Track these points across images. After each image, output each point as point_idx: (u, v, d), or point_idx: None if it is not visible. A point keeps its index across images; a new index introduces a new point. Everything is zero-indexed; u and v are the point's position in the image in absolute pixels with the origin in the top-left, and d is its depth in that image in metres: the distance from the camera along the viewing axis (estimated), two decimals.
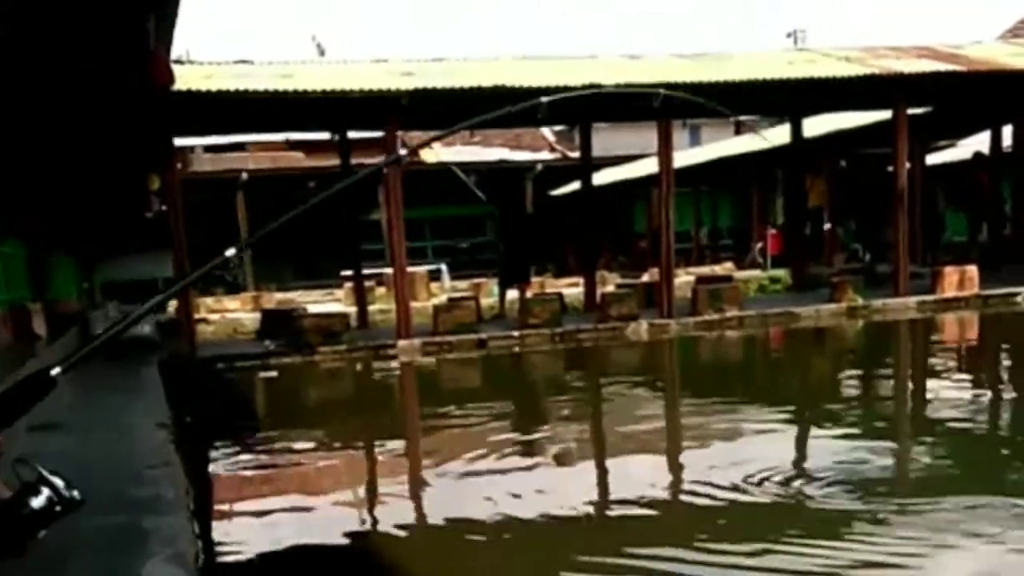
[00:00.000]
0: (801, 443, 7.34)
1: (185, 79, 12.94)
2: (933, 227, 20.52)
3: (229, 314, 20.27)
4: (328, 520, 5.66)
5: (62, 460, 0.83)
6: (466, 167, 30.17)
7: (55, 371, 1.07)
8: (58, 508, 1.02)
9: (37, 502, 0.98)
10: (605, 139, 25.84)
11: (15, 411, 1.01)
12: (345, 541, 5.31)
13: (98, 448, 6.02)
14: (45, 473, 0.98)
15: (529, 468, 6.78)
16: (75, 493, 1.06)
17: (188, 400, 9.29)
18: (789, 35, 40.66)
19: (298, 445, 8.19)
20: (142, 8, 7.83)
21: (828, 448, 6.70)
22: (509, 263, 16.54)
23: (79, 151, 13.55)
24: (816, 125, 19.16)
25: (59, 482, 1.03)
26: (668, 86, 13.95)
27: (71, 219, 18.09)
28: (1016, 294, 15.42)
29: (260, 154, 28.34)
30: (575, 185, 21.48)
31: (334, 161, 17.83)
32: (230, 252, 1.21)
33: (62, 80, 9.08)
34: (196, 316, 16.56)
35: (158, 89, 11.15)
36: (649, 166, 17.25)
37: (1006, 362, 11.50)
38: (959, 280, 15.67)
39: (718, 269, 23.61)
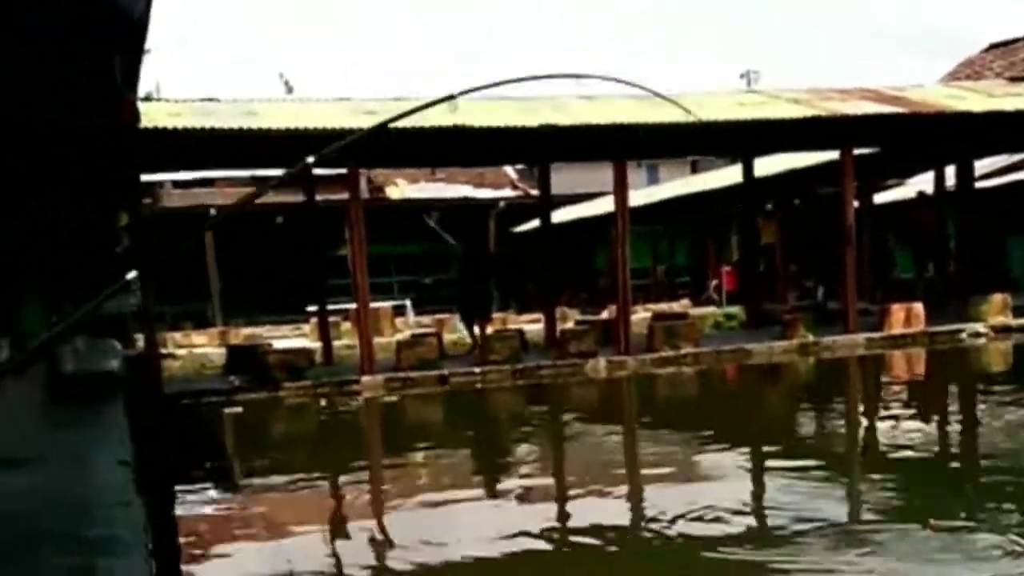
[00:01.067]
0: (740, 479, 7.72)
1: (153, 116, 13.27)
2: (882, 265, 21.11)
3: (197, 349, 20.43)
4: (294, 556, 5.91)
5: (17, 496, 0.91)
6: (429, 203, 30.55)
7: None
8: None
9: None
10: (566, 178, 26.32)
11: None
12: None
13: (55, 484, 6.20)
14: None
15: (485, 503, 7.11)
16: None
17: (154, 437, 9.53)
18: (743, 76, 41.56)
19: (261, 482, 8.46)
20: (108, 49, 8.14)
21: (772, 485, 7.08)
22: (471, 299, 16.88)
23: (45, 189, 13.77)
24: (768, 165, 19.73)
25: None
26: (622, 127, 14.51)
27: (40, 256, 18.26)
28: (961, 331, 15.96)
29: (228, 190, 28.60)
30: (536, 223, 21.91)
31: (300, 197, 18.15)
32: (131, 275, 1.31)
33: (25, 120, 9.34)
34: (164, 351, 16.77)
35: (124, 128, 11.44)
36: (608, 204, 17.68)
37: (950, 396, 11.97)
38: (906, 317, 16.19)
39: (675, 306, 24.07)
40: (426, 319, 23.99)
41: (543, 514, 6.70)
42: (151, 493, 6.29)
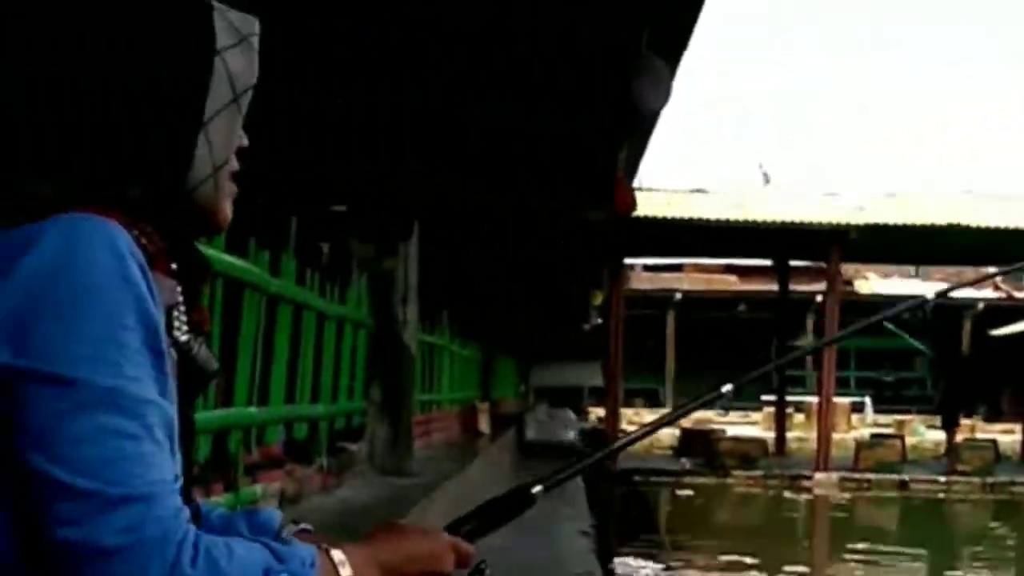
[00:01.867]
0: None
1: (645, 205, 13.90)
2: None
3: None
4: None
5: (491, 559, 0.98)
6: (900, 300, 29.02)
7: (536, 489, 1.06)
8: None
9: None
10: None
11: (493, 523, 1.02)
12: None
13: (524, 551, 6.64)
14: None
15: None
16: None
17: (609, 511, 9.88)
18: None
19: (702, 561, 8.44)
20: (617, 142, 8.71)
21: None
22: (947, 403, 15.84)
23: (537, 268, 14.93)
24: None
25: None
26: None
27: (518, 327, 19.81)
28: None
29: (695, 275, 29.28)
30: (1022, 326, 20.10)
31: (767, 286, 18.17)
32: (726, 388, 1.27)
33: (528, 211, 10.22)
34: (619, 427, 17.40)
35: (620, 216, 12.09)
36: None
37: None
38: None
39: None
40: (883, 418, 22.73)
41: None
42: (604, 562, 6.54)
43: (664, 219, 13.62)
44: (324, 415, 4.78)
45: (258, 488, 3.71)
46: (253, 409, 3.71)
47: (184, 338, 0.87)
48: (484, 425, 10.90)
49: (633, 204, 11.85)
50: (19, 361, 0.73)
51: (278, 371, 4.14)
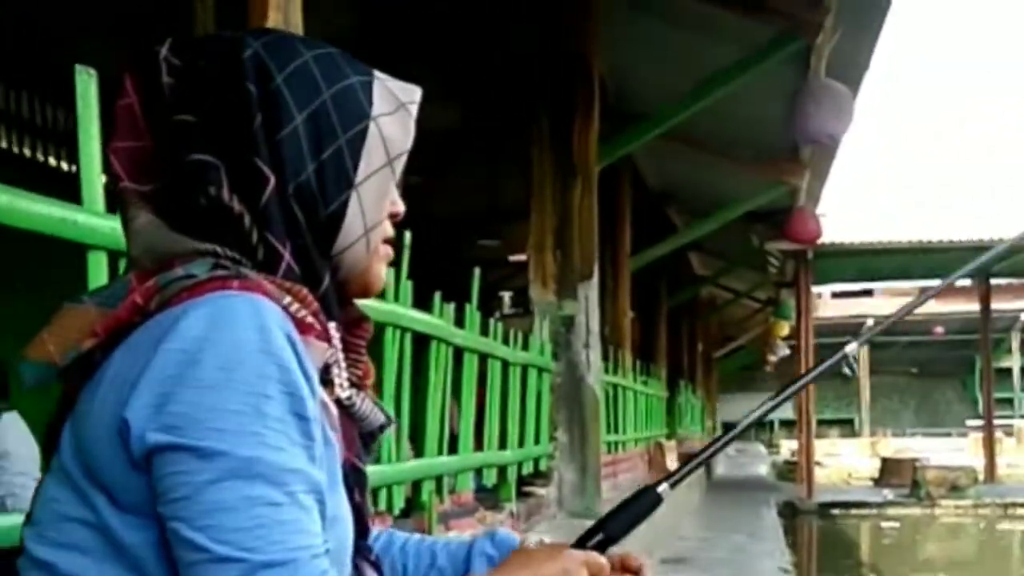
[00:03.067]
0: None
1: (835, 231, 13.45)
2: None
3: (843, 458, 20.24)
4: None
5: None
6: None
7: (662, 488, 1.07)
8: None
9: None
10: None
11: (622, 530, 1.04)
12: None
13: None
14: None
15: None
16: None
17: (808, 547, 9.57)
18: None
19: None
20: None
21: None
22: None
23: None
24: None
25: None
26: None
27: (704, 361, 19.55)
28: None
29: (887, 300, 28.36)
30: None
31: (965, 307, 17.42)
32: (850, 348, 1.23)
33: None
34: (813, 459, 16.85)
35: (802, 244, 11.87)
36: None
37: None
38: None
39: None
40: None
41: None
42: None
43: (851, 245, 13.20)
44: (512, 460, 4.83)
45: (452, 536, 3.78)
46: (443, 458, 3.79)
47: (346, 394, 0.91)
48: (671, 463, 10.75)
49: (818, 232, 11.60)
50: (162, 436, 0.77)
51: (466, 419, 4.22)
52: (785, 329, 17.08)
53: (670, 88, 7.27)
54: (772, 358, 22.16)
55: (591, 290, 5.99)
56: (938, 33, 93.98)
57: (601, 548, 1.00)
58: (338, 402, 0.90)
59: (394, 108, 0.94)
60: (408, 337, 3.34)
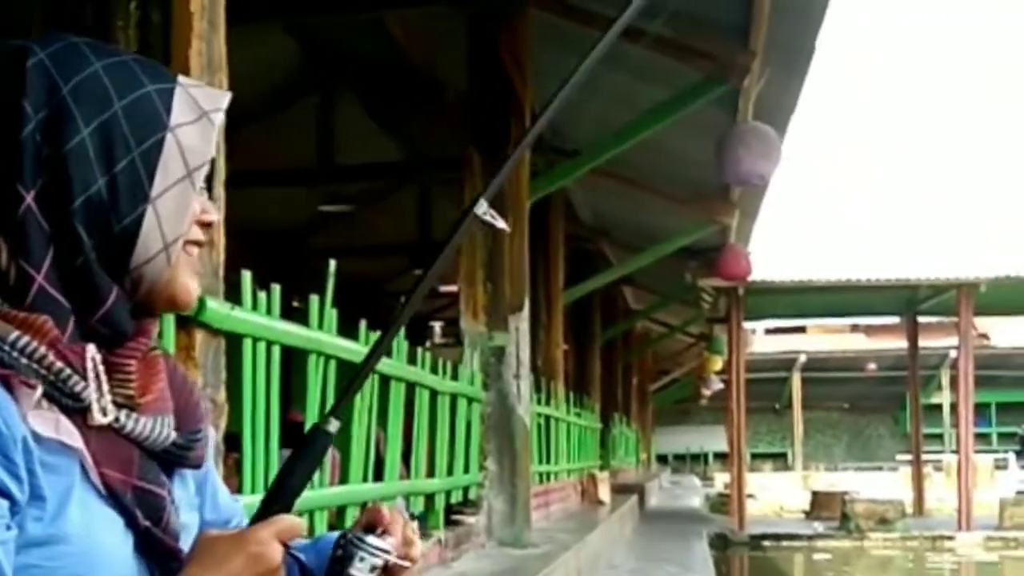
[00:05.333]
0: None
1: (762, 269, 13.66)
2: None
3: (775, 491, 20.47)
4: None
5: None
6: None
7: (332, 426, 0.95)
8: None
9: None
10: None
11: (309, 473, 0.94)
12: None
13: None
14: None
15: None
16: None
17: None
18: None
19: None
20: None
21: None
22: None
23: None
24: None
25: None
26: None
27: (639, 394, 19.73)
28: None
29: (819, 336, 28.85)
30: None
31: (896, 344, 17.75)
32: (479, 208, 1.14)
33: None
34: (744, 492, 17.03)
35: (733, 281, 12.07)
36: None
37: None
38: None
39: None
40: None
41: None
42: None
43: (781, 283, 13.43)
44: (439, 488, 4.87)
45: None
46: (368, 485, 3.83)
47: (109, 418, 0.86)
48: (604, 494, 10.83)
49: (749, 270, 11.83)
50: None
51: (392, 447, 4.27)
52: (718, 364, 17.32)
53: (603, 126, 7.42)
54: (706, 392, 22.42)
55: (522, 321, 6.07)
56: (863, 72, 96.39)
57: (287, 509, 0.91)
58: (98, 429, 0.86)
59: (196, 117, 0.91)
60: (332, 364, 3.39)
